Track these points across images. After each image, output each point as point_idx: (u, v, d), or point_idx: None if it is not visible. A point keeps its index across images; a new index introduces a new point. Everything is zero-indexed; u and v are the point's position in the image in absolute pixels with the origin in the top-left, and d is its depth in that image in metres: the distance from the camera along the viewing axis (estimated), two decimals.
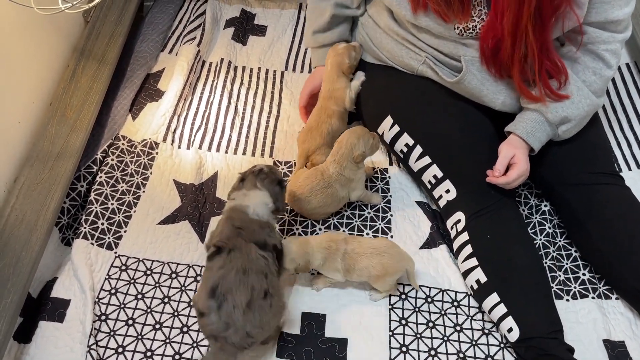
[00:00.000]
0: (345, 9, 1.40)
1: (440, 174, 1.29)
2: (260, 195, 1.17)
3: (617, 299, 1.25)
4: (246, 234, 1.10)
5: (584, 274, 1.29)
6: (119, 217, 1.35)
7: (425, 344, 1.19)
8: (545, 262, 1.30)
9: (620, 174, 1.30)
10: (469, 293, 1.26)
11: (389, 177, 1.46)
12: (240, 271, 1.05)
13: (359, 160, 1.29)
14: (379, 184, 1.45)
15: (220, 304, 1.03)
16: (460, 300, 1.25)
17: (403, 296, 1.25)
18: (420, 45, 1.29)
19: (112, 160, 1.44)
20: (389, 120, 1.37)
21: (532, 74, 1.17)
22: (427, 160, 1.31)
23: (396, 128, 1.36)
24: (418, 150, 1.32)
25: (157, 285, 1.25)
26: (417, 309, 1.24)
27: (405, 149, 1.35)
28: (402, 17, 1.25)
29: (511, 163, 1.22)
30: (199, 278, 1.26)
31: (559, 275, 1.29)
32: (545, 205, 1.39)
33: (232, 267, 1.06)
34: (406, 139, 1.34)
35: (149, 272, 1.27)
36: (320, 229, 1.36)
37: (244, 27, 1.82)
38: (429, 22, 1.21)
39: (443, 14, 1.17)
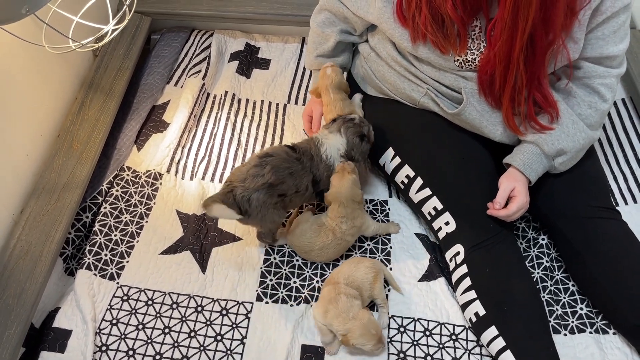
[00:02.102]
0: (349, 36, 1.44)
1: (440, 206, 1.31)
2: (337, 140, 1.33)
3: (614, 333, 1.25)
4: (313, 165, 1.31)
5: (581, 309, 1.30)
6: (121, 247, 1.37)
7: None
8: (543, 296, 1.31)
9: (617, 208, 1.32)
10: (468, 326, 1.26)
11: (389, 208, 1.48)
12: (290, 170, 1.27)
13: (362, 201, 1.32)
14: (379, 216, 1.47)
15: (260, 164, 1.24)
16: (459, 333, 1.26)
17: (402, 329, 1.26)
18: (422, 77, 1.32)
19: (117, 191, 1.47)
20: (390, 152, 1.40)
21: (519, 105, 1.20)
22: (427, 192, 1.33)
23: (397, 160, 1.39)
24: (419, 182, 1.35)
25: (158, 315, 1.27)
26: (415, 342, 1.24)
27: (406, 180, 1.38)
28: (404, 48, 1.29)
29: (511, 196, 1.24)
30: (199, 309, 1.28)
31: (557, 310, 1.29)
32: (543, 239, 1.40)
33: (290, 160, 1.28)
34: (407, 170, 1.37)
35: (150, 303, 1.29)
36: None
37: (248, 61, 1.87)
38: (429, 54, 1.25)
39: (440, 46, 1.21)
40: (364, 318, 1.17)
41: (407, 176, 1.36)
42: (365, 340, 1.16)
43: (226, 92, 1.75)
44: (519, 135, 1.27)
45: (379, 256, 1.39)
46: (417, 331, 1.26)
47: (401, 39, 1.26)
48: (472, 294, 1.21)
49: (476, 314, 1.20)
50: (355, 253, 1.39)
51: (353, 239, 1.34)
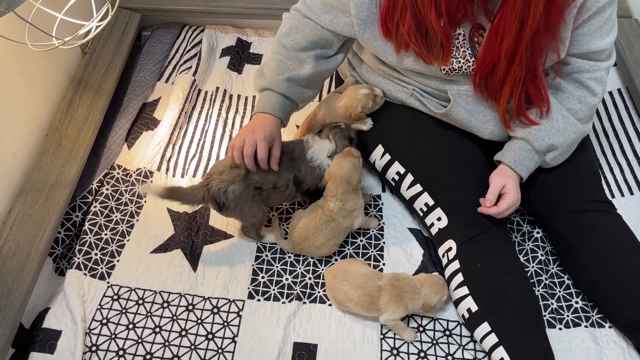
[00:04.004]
0: (326, 62, 1.32)
1: (431, 202, 1.30)
2: (325, 145, 1.33)
3: (610, 327, 1.24)
4: (294, 165, 1.30)
5: (576, 302, 1.28)
6: (112, 247, 1.36)
7: None
8: (538, 290, 1.29)
9: (612, 200, 1.30)
10: (461, 322, 1.25)
11: (382, 204, 1.47)
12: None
13: (358, 187, 1.31)
14: (372, 211, 1.45)
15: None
16: (452, 329, 1.25)
17: None
18: (407, 80, 1.31)
19: (107, 189, 1.46)
20: (379, 149, 1.38)
21: (513, 98, 1.18)
22: (418, 188, 1.32)
23: (387, 157, 1.37)
24: (409, 178, 1.33)
25: (149, 314, 1.26)
26: None
27: (396, 177, 1.36)
28: (389, 62, 1.27)
29: (502, 193, 1.23)
30: (190, 307, 1.27)
31: (552, 304, 1.28)
32: (538, 232, 1.38)
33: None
34: (397, 167, 1.35)
35: (140, 302, 1.27)
36: (312, 259, 1.36)
37: (240, 56, 1.85)
38: (414, 65, 1.23)
39: (424, 57, 1.19)
40: (427, 279, 1.24)
41: (398, 173, 1.35)
42: (441, 294, 1.22)
43: (217, 88, 1.73)
44: (509, 131, 1.26)
45: (372, 251, 1.37)
46: (410, 327, 1.24)
47: (385, 54, 1.24)
48: (465, 290, 1.20)
49: (469, 310, 1.19)
50: (348, 249, 1.38)
51: (345, 222, 1.31)
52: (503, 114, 1.22)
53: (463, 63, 1.18)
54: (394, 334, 1.23)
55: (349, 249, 1.38)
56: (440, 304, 1.23)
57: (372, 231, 1.41)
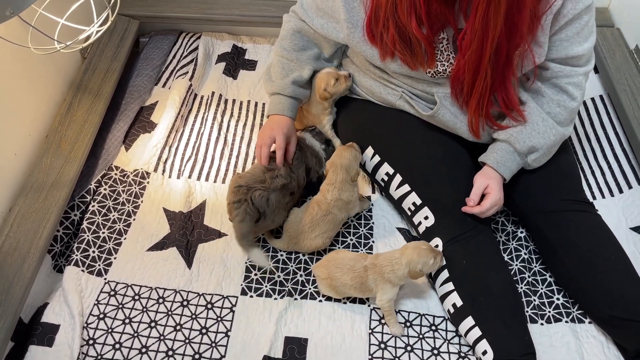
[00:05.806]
0: (322, 64, 1.45)
1: (419, 201, 1.34)
2: (310, 136, 1.51)
3: (590, 323, 1.28)
4: (303, 155, 1.44)
5: (558, 299, 1.33)
6: (109, 244, 1.40)
7: None
8: (521, 287, 1.34)
9: (594, 202, 1.34)
10: (447, 317, 1.29)
11: (372, 204, 1.51)
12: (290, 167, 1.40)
13: (355, 178, 1.37)
14: (362, 212, 1.50)
15: (272, 167, 1.36)
16: (438, 324, 1.29)
17: (383, 321, 1.29)
18: (396, 82, 1.36)
19: (105, 190, 1.50)
20: (369, 150, 1.43)
21: (483, 108, 1.24)
22: (406, 188, 1.37)
23: (377, 158, 1.42)
24: (398, 178, 1.38)
25: (145, 310, 1.29)
26: None
27: (386, 178, 1.41)
28: (378, 65, 1.33)
29: (485, 193, 1.28)
30: (185, 303, 1.31)
31: (534, 300, 1.32)
32: (522, 232, 1.43)
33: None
34: (386, 168, 1.40)
35: (136, 297, 1.31)
36: (303, 257, 1.41)
37: (235, 62, 1.90)
38: (401, 69, 1.29)
39: (409, 63, 1.24)
40: (408, 247, 1.24)
41: (387, 173, 1.40)
42: (425, 258, 1.21)
43: (213, 93, 1.78)
44: (492, 134, 1.31)
45: (362, 250, 1.42)
46: (398, 322, 1.29)
47: (372, 58, 1.30)
48: (450, 286, 1.24)
49: (454, 305, 1.23)
50: (338, 248, 1.42)
51: (341, 215, 1.37)
52: (471, 121, 1.27)
53: (447, 66, 1.24)
54: (382, 329, 1.28)
55: (338, 248, 1.42)
56: (428, 268, 1.23)
57: (362, 230, 1.46)
